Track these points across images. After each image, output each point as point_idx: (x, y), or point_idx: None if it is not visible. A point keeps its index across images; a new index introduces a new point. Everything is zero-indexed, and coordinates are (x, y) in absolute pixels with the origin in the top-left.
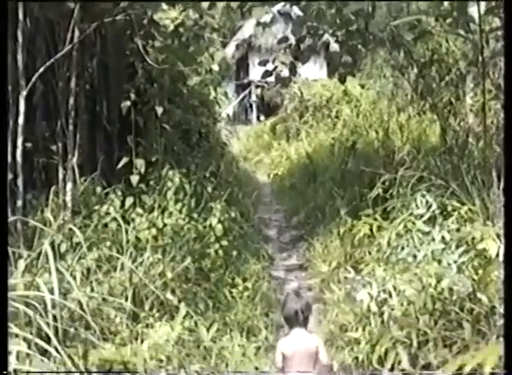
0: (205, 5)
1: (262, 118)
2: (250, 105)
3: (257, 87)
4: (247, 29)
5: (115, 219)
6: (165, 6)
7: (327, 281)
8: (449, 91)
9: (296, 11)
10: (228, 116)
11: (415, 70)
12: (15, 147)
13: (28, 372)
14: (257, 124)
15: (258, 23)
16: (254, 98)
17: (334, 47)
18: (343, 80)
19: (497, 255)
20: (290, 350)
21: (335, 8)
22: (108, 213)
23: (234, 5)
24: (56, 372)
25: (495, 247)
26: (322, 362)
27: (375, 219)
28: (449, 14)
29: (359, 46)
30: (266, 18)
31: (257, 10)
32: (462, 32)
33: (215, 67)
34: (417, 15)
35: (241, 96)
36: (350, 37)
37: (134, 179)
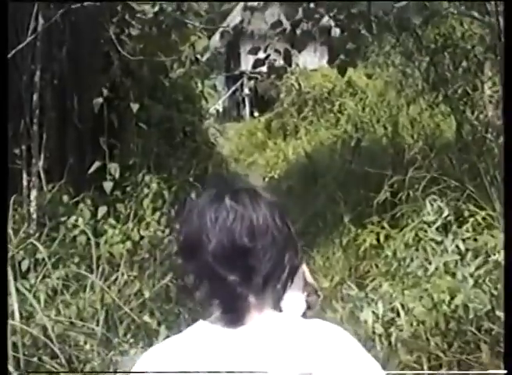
0: None
1: (256, 113)
2: (243, 99)
3: (249, 78)
4: (238, 13)
5: (84, 232)
6: None
7: (329, 298)
8: (464, 80)
9: None
10: (217, 111)
11: (426, 58)
12: None
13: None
14: (250, 121)
15: (246, 8)
16: (246, 91)
17: (336, 32)
18: (343, 72)
19: None
20: None
21: None
22: (76, 226)
23: None
24: (56, 372)
25: None
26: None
27: (382, 228)
28: None
29: (362, 31)
30: (255, 2)
31: None
32: (477, 14)
33: (202, 57)
34: None
35: (232, 89)
36: (352, 20)
37: (108, 186)
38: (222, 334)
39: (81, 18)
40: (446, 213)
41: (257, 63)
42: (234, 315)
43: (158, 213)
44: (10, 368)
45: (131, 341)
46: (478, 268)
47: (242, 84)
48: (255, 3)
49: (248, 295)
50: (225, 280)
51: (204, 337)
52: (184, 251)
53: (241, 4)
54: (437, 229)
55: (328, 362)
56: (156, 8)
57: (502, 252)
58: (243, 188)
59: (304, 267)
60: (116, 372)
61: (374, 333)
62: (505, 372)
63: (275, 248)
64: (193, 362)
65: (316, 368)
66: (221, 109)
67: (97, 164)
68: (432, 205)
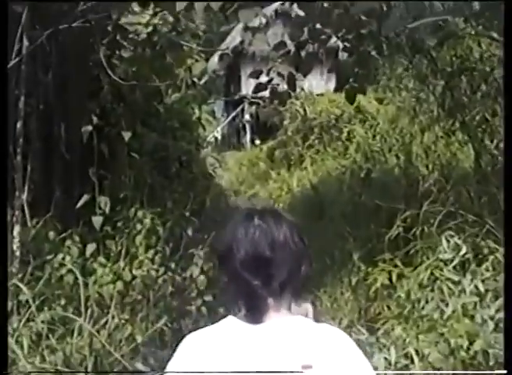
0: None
1: (257, 142)
2: (243, 126)
3: (250, 104)
4: (238, 34)
5: (71, 271)
6: (136, 8)
7: None
8: (483, 105)
9: (296, 10)
10: (216, 139)
11: (442, 81)
12: None
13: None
14: (251, 149)
15: (247, 28)
16: (247, 117)
17: (343, 55)
18: (352, 99)
19: None
20: None
21: (342, 7)
22: (63, 264)
23: (215, 5)
24: (57, 371)
25: None
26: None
27: (395, 266)
28: (482, 14)
29: (372, 53)
30: (256, 21)
31: (244, 12)
32: (495, 35)
33: (199, 81)
34: (442, 15)
35: (232, 115)
36: (361, 41)
37: (97, 221)
38: (246, 329)
39: (69, 39)
40: (463, 251)
41: (259, 87)
42: (256, 313)
43: (151, 251)
44: None
45: None
46: (498, 310)
47: (242, 110)
48: (256, 23)
49: (268, 297)
50: (249, 284)
51: (231, 329)
52: (219, 259)
53: (241, 24)
54: (454, 267)
55: (328, 358)
56: (149, 29)
57: None
58: (269, 210)
59: (309, 306)
60: (116, 372)
61: None
62: (505, 372)
63: (291, 259)
64: (223, 351)
65: (317, 361)
66: (220, 137)
67: (85, 197)
68: (448, 241)
